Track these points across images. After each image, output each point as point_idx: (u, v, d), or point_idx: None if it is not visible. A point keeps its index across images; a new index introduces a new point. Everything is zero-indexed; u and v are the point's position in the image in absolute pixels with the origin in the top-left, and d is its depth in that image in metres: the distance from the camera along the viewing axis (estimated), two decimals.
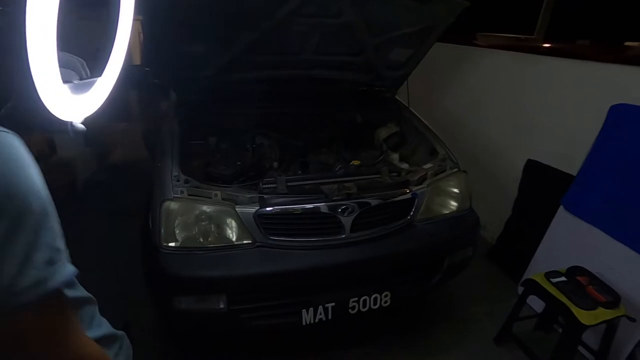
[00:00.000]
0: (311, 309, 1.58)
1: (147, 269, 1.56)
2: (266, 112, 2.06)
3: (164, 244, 1.48)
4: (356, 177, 1.69)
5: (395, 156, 2.04)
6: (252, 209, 1.51)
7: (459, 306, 2.43)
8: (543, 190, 2.47)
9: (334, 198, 1.55)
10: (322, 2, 1.64)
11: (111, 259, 2.52)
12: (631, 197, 1.93)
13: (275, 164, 1.86)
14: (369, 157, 2.05)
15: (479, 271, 2.70)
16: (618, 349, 1.87)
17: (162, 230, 1.48)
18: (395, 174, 1.76)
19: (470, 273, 2.56)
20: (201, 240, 1.53)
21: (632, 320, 1.75)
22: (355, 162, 1.88)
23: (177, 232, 1.49)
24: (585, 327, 1.67)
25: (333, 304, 1.60)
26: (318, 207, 1.54)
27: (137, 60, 2.98)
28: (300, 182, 1.63)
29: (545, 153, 2.48)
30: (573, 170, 2.21)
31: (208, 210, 1.51)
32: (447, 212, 1.85)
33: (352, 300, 1.62)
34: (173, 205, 1.48)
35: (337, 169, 1.72)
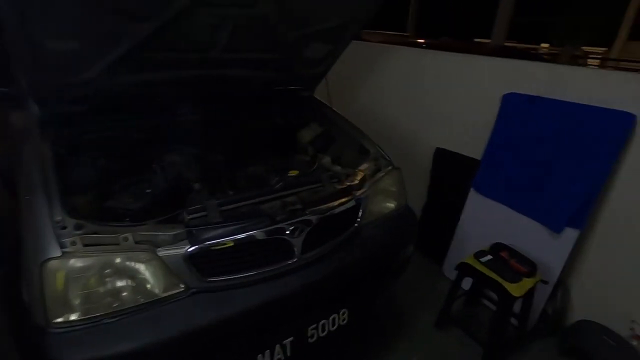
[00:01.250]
0: (267, 352, 1.34)
1: None
2: (172, 121, 1.69)
3: (54, 321, 1.05)
4: (298, 189, 1.49)
5: (327, 159, 1.90)
6: (181, 249, 1.18)
7: (393, 298, 2.45)
8: (454, 176, 2.67)
9: (278, 219, 1.33)
10: None
11: None
12: (527, 174, 2.20)
13: (197, 186, 1.52)
14: (303, 163, 1.87)
15: None
16: (532, 307, 2.11)
17: (49, 302, 1.04)
18: (336, 179, 1.62)
19: None
20: (111, 301, 1.13)
21: (546, 282, 2.00)
22: (294, 172, 1.68)
23: (75, 299, 1.07)
24: (516, 298, 1.83)
25: (291, 338, 1.39)
26: (262, 233, 1.30)
27: None
28: (235, 205, 1.36)
29: (452, 141, 2.67)
30: (479, 155, 2.42)
31: (118, 260, 1.13)
32: (387, 211, 1.80)
33: (310, 328, 1.44)
34: (62, 264, 1.05)
35: (274, 182, 1.50)
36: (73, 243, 1.07)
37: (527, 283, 1.88)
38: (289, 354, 1.39)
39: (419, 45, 5.49)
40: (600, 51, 11.39)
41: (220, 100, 1.92)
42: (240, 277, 1.28)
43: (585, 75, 2.19)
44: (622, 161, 1.90)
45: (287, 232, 1.34)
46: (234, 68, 1.81)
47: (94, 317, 1.09)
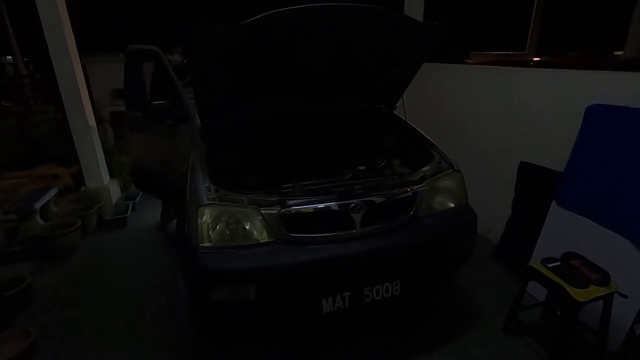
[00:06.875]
0: (330, 298, 1.77)
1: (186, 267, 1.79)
2: (280, 130, 2.35)
3: (200, 245, 1.72)
4: (363, 180, 1.93)
5: (396, 162, 2.29)
6: (275, 211, 1.75)
7: (468, 301, 2.57)
8: (537, 189, 2.67)
9: (343, 197, 1.79)
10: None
11: None
12: (613, 187, 2.13)
13: (293, 173, 2.12)
14: (373, 163, 2.30)
15: (484, 270, 2.87)
16: (617, 328, 1.99)
17: (199, 233, 1.72)
18: (396, 175, 2.00)
19: (477, 272, 2.74)
20: (230, 239, 1.76)
21: (624, 296, 1.90)
22: (361, 168, 2.13)
23: (212, 234, 1.73)
24: (580, 303, 1.83)
25: (349, 292, 1.79)
26: (331, 206, 1.78)
27: None
28: (314, 186, 1.88)
29: (535, 154, 2.71)
30: (562, 168, 2.42)
31: (236, 213, 1.76)
32: (446, 207, 2.06)
33: (366, 289, 1.81)
34: (207, 210, 1.72)
35: (345, 173, 1.98)
36: (213, 199, 1.75)
37: (595, 291, 1.85)
38: (347, 304, 1.80)
39: (527, 64, 5.30)
40: None
41: (319, 115, 2.53)
42: (313, 236, 1.77)
43: None
44: None
45: (350, 208, 1.78)
46: (331, 92, 2.39)
47: (220, 246, 1.73)
